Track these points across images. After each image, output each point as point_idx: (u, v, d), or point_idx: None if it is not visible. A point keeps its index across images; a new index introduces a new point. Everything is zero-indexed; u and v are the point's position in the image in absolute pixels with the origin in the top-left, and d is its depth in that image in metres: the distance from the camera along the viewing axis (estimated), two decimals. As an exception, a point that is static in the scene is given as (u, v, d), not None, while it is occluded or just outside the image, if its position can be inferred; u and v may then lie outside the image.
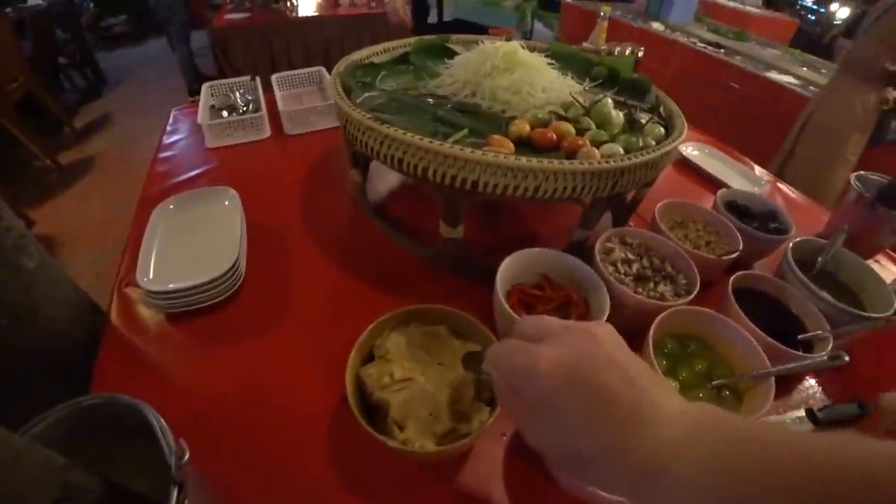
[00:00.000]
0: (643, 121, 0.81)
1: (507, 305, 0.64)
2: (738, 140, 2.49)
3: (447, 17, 1.75)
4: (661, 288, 0.72)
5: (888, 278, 1.05)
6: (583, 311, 0.69)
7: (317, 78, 1.54)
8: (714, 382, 0.64)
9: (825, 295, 0.77)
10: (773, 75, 2.81)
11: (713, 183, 1.26)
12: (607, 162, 0.65)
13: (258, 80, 1.49)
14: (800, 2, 6.36)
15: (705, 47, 3.11)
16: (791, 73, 2.89)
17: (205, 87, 1.43)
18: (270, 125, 1.33)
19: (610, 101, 0.89)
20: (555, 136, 0.76)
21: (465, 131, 0.78)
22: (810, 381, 0.76)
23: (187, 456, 0.39)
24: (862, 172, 1.13)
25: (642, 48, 1.58)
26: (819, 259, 0.90)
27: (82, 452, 0.37)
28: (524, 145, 0.77)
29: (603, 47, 1.50)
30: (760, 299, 0.80)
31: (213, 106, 1.38)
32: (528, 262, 0.73)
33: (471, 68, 0.93)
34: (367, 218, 0.97)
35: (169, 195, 0.94)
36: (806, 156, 2.31)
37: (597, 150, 0.70)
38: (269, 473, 0.56)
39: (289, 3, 3.41)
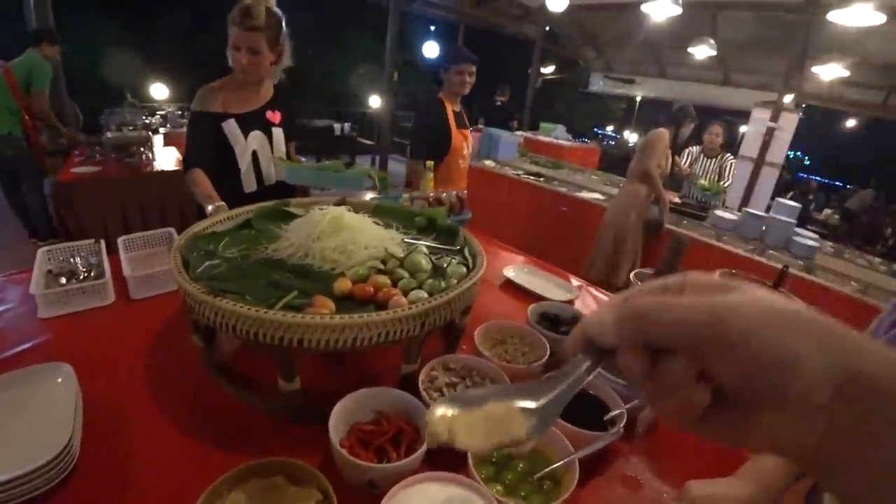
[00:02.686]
0: (445, 266, 1.00)
1: (340, 448, 0.71)
2: (560, 252, 3.03)
3: (269, 183, 1.82)
4: None
5: None
6: (413, 437, 0.78)
7: (167, 238, 1.57)
8: (536, 476, 0.75)
9: (611, 377, 0.96)
10: (584, 194, 3.46)
11: (534, 297, 1.50)
12: (411, 308, 0.80)
13: (102, 243, 1.48)
14: (601, 132, 8.05)
15: (528, 177, 3.77)
16: (597, 191, 3.60)
17: (40, 252, 1.38)
18: (116, 289, 1.31)
19: (424, 248, 1.09)
20: (372, 289, 0.90)
21: (294, 293, 0.89)
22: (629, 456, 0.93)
23: None
24: (639, 269, 1.45)
25: (465, 190, 1.91)
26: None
27: None
28: (347, 300, 0.90)
29: (431, 194, 1.78)
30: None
31: (49, 271, 1.33)
32: (362, 402, 0.83)
33: (303, 233, 1.08)
34: (212, 379, 1.00)
35: (-8, 375, 0.87)
36: (605, 250, 3.01)
37: (404, 299, 0.86)
38: None
39: (144, 157, 3.43)
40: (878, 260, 3.17)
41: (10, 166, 3.43)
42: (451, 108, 2.54)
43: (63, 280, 1.30)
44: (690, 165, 3.92)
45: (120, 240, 1.50)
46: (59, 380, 0.91)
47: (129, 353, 1.09)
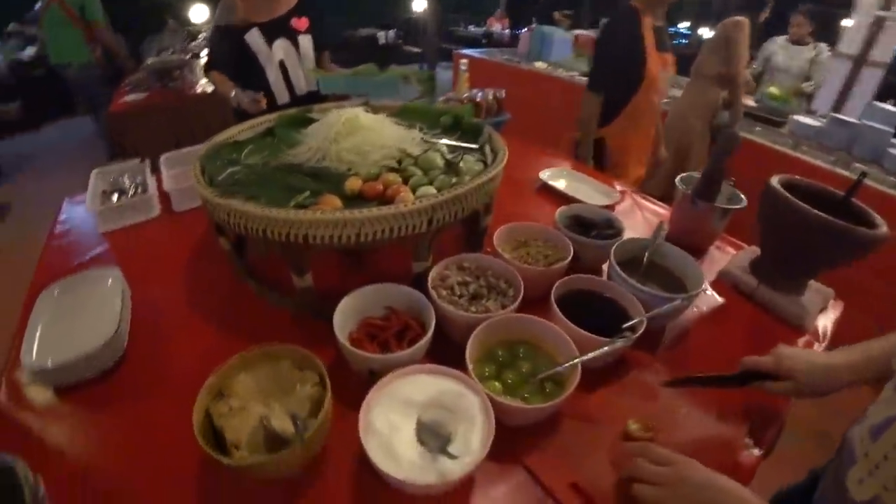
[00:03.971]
0: (458, 162, 0.95)
1: (343, 340, 0.74)
2: None
3: (301, 93, 1.79)
4: (489, 302, 0.84)
5: (724, 260, 1.23)
6: (418, 331, 0.79)
7: (205, 154, 1.61)
8: (539, 377, 0.74)
9: (636, 283, 0.90)
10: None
11: (570, 200, 1.41)
12: (415, 204, 0.77)
13: (147, 161, 1.55)
14: (673, 29, 7.16)
15: (583, 78, 3.44)
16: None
17: (93, 173, 1.46)
18: (161, 204, 1.39)
19: (443, 146, 1.03)
20: (382, 187, 0.88)
21: (307, 194, 0.89)
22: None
23: (42, 491, 0.49)
24: (686, 173, 1.31)
25: (504, 90, 1.79)
26: (646, 254, 1.04)
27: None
28: (357, 199, 0.89)
29: (465, 95, 1.68)
30: (591, 297, 0.93)
31: (104, 191, 1.42)
32: (372, 298, 0.84)
33: (320, 136, 1.06)
34: (241, 280, 1.05)
35: (59, 283, 0.98)
36: (665, 162, 2.71)
37: (411, 195, 0.82)
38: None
39: (187, 81, 3.48)
40: None
41: (92, 96, 3.64)
42: (650, 22, 1.83)
43: (115, 197, 1.38)
44: (769, 59, 3.43)
45: (162, 157, 1.55)
46: (110, 281, 0.99)
47: (171, 259, 1.17)
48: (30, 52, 4.89)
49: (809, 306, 1.05)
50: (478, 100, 1.70)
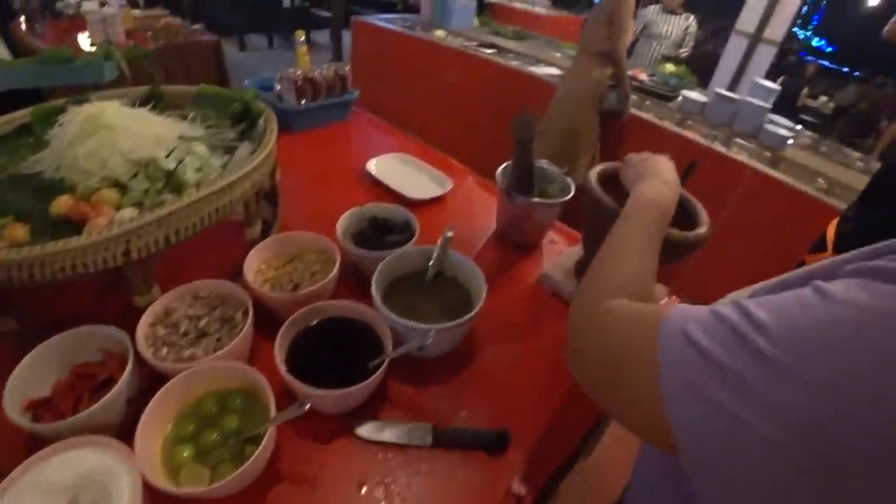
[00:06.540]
0: (181, 171, 0.85)
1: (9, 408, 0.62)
2: (492, 136, 2.62)
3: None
4: (196, 349, 0.73)
5: (555, 256, 1.16)
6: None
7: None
8: (241, 437, 0.64)
9: (382, 306, 0.79)
10: (538, 69, 3.08)
11: (395, 196, 1.31)
12: (91, 237, 0.65)
13: None
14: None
15: (479, 49, 3.32)
16: (558, 66, 3.19)
17: None
18: None
19: (200, 147, 0.92)
20: (90, 209, 0.75)
21: (10, 218, 0.75)
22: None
23: None
24: (506, 164, 1.19)
25: (347, 66, 1.67)
26: (430, 264, 0.93)
27: None
28: (66, 223, 0.76)
29: (298, 72, 1.57)
30: (346, 324, 0.82)
31: None
32: (80, 342, 0.72)
33: (61, 138, 0.90)
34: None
35: None
36: (554, 142, 2.67)
37: (103, 221, 0.71)
38: None
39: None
40: (857, 155, 2.82)
41: None
42: None
43: None
44: (643, 31, 3.58)
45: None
46: None
47: None
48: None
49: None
50: (315, 77, 1.59)
